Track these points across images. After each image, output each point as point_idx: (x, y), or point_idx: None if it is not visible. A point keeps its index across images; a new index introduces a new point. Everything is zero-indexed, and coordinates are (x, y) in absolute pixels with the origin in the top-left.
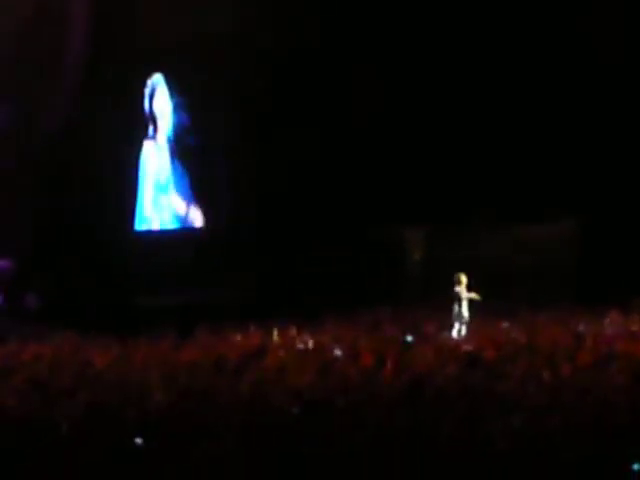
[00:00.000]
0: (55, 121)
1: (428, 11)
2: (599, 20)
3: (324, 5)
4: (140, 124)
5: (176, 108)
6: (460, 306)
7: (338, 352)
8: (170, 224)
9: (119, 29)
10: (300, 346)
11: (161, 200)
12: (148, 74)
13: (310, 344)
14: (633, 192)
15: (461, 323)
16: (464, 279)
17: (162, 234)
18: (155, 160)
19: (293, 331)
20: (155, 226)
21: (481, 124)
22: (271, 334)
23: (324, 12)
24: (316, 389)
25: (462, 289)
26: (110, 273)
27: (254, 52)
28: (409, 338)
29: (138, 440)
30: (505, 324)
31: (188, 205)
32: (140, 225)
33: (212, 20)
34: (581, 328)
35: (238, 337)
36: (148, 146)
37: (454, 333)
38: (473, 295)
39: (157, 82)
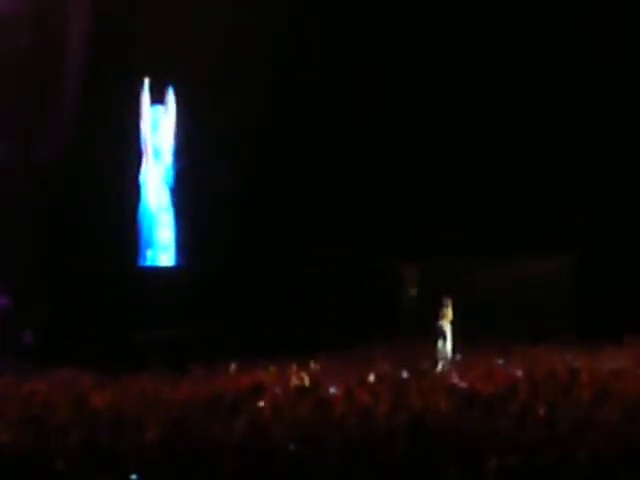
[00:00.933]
0: (52, 151)
1: (433, 14)
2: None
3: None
4: (141, 154)
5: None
6: (444, 341)
7: (333, 389)
8: (165, 260)
9: (120, 49)
10: (296, 383)
11: (158, 234)
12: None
13: (306, 381)
14: (630, 228)
15: (445, 358)
16: (449, 313)
17: (157, 269)
18: (157, 194)
19: (289, 368)
20: (146, 260)
21: (480, 159)
22: (267, 370)
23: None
24: (312, 426)
25: (446, 323)
26: (107, 308)
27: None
28: (404, 374)
29: (133, 477)
30: (500, 360)
31: (183, 240)
32: (135, 260)
33: (214, 29)
34: (577, 363)
35: (233, 373)
36: (151, 178)
37: (439, 368)
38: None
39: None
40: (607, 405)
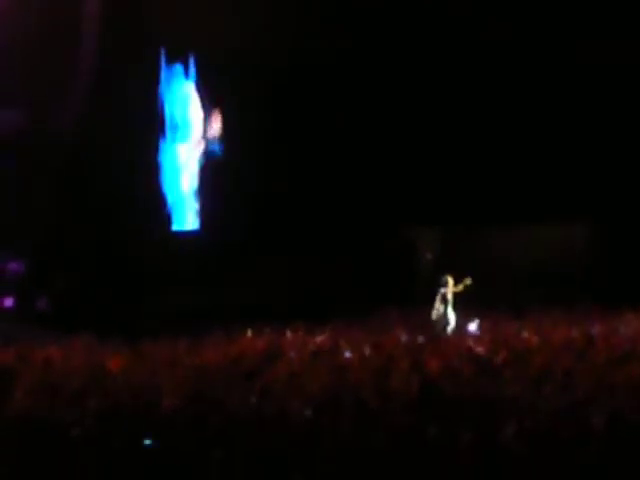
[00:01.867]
0: (70, 121)
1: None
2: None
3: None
4: (164, 127)
5: (207, 114)
6: (446, 307)
7: (348, 354)
8: (189, 226)
9: (137, 18)
10: (312, 348)
11: (185, 203)
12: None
13: (322, 347)
14: None
15: (445, 324)
16: (451, 281)
17: (179, 236)
18: (183, 163)
19: (304, 333)
20: (175, 228)
21: (494, 128)
22: (283, 336)
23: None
24: (328, 392)
25: (448, 290)
26: (124, 275)
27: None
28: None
29: (147, 442)
30: (517, 326)
31: (210, 207)
32: (159, 227)
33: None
34: (594, 330)
35: (251, 340)
36: (175, 148)
37: (437, 333)
38: (461, 286)
39: (189, 87)
40: (623, 370)
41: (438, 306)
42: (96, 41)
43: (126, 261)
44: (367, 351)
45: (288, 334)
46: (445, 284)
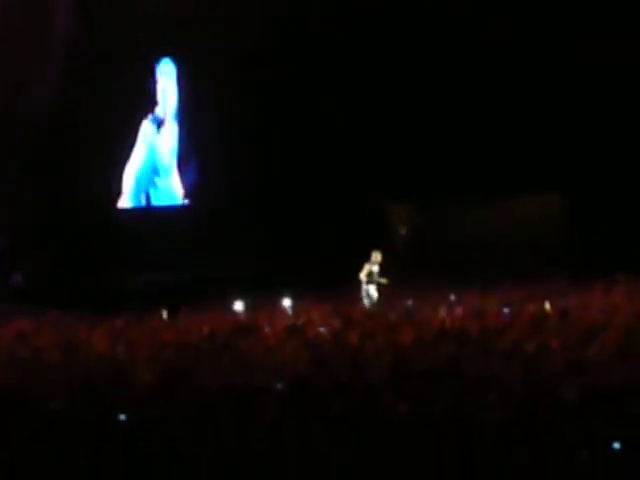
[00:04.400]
0: (39, 102)
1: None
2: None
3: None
4: (137, 104)
5: (182, 89)
6: (371, 284)
7: (322, 329)
8: (163, 202)
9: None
10: (284, 323)
11: (158, 179)
12: (149, 53)
13: (295, 321)
14: (617, 167)
15: (370, 301)
16: (379, 258)
17: (150, 211)
18: (154, 139)
19: (278, 309)
20: (146, 203)
21: (466, 101)
22: (256, 311)
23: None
24: (300, 366)
25: (376, 268)
26: (96, 252)
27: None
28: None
29: (122, 417)
30: (490, 300)
31: (186, 184)
32: (131, 202)
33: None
34: (566, 303)
35: (223, 314)
36: (147, 125)
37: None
38: (382, 280)
39: (162, 62)
40: (596, 343)
41: (364, 281)
42: (67, 26)
43: (97, 238)
44: (339, 326)
45: (261, 309)
46: (374, 262)
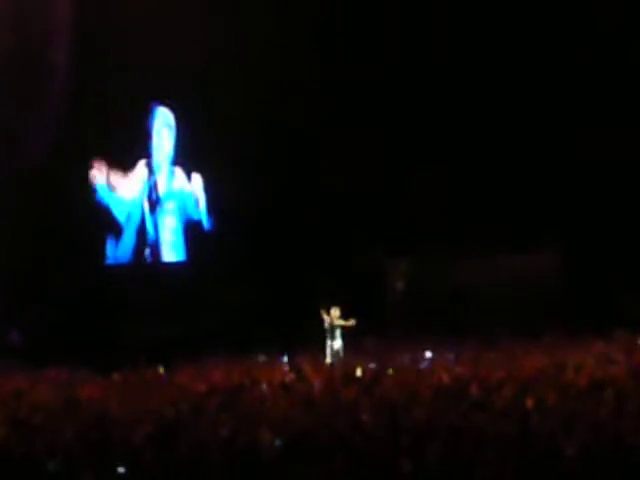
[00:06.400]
0: (36, 153)
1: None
2: None
3: None
4: (129, 154)
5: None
6: (333, 338)
7: (319, 385)
8: (154, 257)
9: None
10: (282, 380)
11: (169, 234)
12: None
13: (291, 377)
14: (615, 221)
15: (333, 355)
16: (337, 313)
17: (145, 267)
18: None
19: (274, 365)
20: (137, 258)
21: (466, 156)
22: (252, 368)
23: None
24: (298, 423)
25: (334, 320)
26: (92, 307)
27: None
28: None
29: (121, 469)
30: (487, 354)
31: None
32: (122, 258)
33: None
34: (564, 358)
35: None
36: (142, 175)
37: (328, 362)
38: (349, 322)
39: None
40: (595, 397)
41: (329, 338)
42: (67, 59)
43: (96, 291)
44: (338, 382)
45: (259, 366)
46: (328, 314)
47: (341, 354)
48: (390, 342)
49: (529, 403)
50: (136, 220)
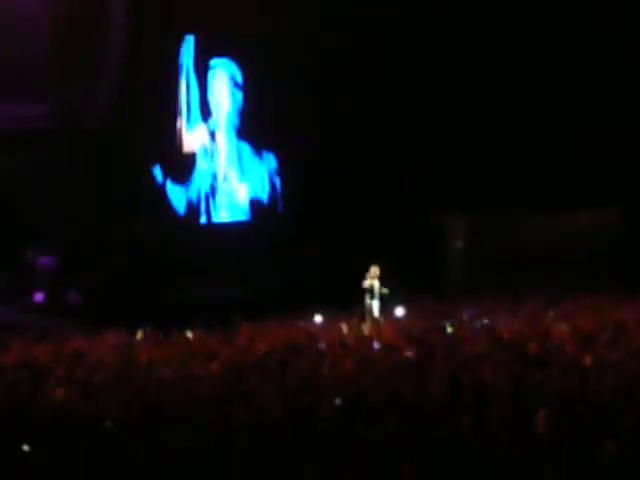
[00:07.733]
0: (98, 117)
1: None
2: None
3: None
4: (195, 114)
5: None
6: (372, 299)
7: (377, 345)
8: (226, 216)
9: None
10: (341, 339)
11: (218, 191)
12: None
13: (352, 336)
14: None
15: (372, 317)
16: (377, 272)
17: (214, 227)
18: (213, 151)
19: (335, 324)
20: (208, 219)
21: (522, 115)
22: (314, 326)
23: None
24: (357, 381)
25: (375, 282)
26: (156, 268)
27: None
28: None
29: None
30: (548, 313)
31: (249, 196)
32: (191, 218)
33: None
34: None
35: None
36: (204, 136)
37: (364, 327)
38: (384, 290)
39: (216, 67)
40: None
41: (366, 297)
42: (122, 33)
43: (157, 253)
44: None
45: (319, 324)
46: (371, 276)
47: (376, 314)
48: (449, 301)
49: (588, 360)
50: (199, 181)
